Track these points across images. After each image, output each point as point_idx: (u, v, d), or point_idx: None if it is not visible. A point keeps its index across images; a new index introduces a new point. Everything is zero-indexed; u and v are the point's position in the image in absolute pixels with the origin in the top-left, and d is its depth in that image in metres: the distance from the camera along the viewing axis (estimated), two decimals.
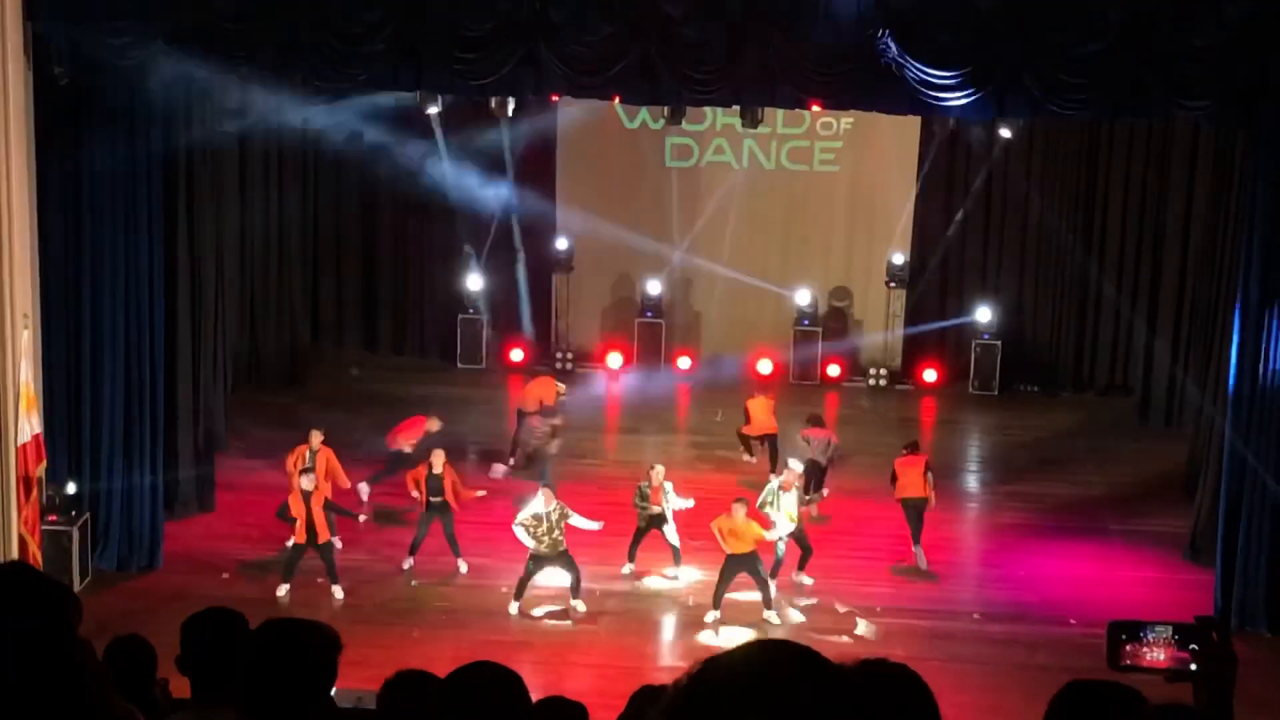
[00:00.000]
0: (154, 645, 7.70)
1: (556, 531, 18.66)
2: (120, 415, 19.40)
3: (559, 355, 28.81)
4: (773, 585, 18.98)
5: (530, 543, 18.69)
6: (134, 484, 19.48)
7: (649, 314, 28.81)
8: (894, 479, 20.44)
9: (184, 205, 20.20)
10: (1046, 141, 27.49)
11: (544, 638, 18.19)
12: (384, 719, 5.90)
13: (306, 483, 18.99)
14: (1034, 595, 19.61)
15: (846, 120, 28.05)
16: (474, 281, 28.45)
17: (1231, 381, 18.92)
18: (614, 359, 28.68)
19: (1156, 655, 4.45)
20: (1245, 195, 19.05)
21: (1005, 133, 25.16)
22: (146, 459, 19.59)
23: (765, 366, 28.35)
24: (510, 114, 24.90)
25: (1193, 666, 4.40)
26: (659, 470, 19.80)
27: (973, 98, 18.15)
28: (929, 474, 20.39)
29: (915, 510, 20.24)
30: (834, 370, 28.36)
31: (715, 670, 2.56)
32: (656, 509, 19.56)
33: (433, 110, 24.16)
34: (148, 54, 17.82)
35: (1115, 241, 27.34)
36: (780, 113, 26.65)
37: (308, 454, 20.09)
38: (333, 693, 5.17)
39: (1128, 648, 4.50)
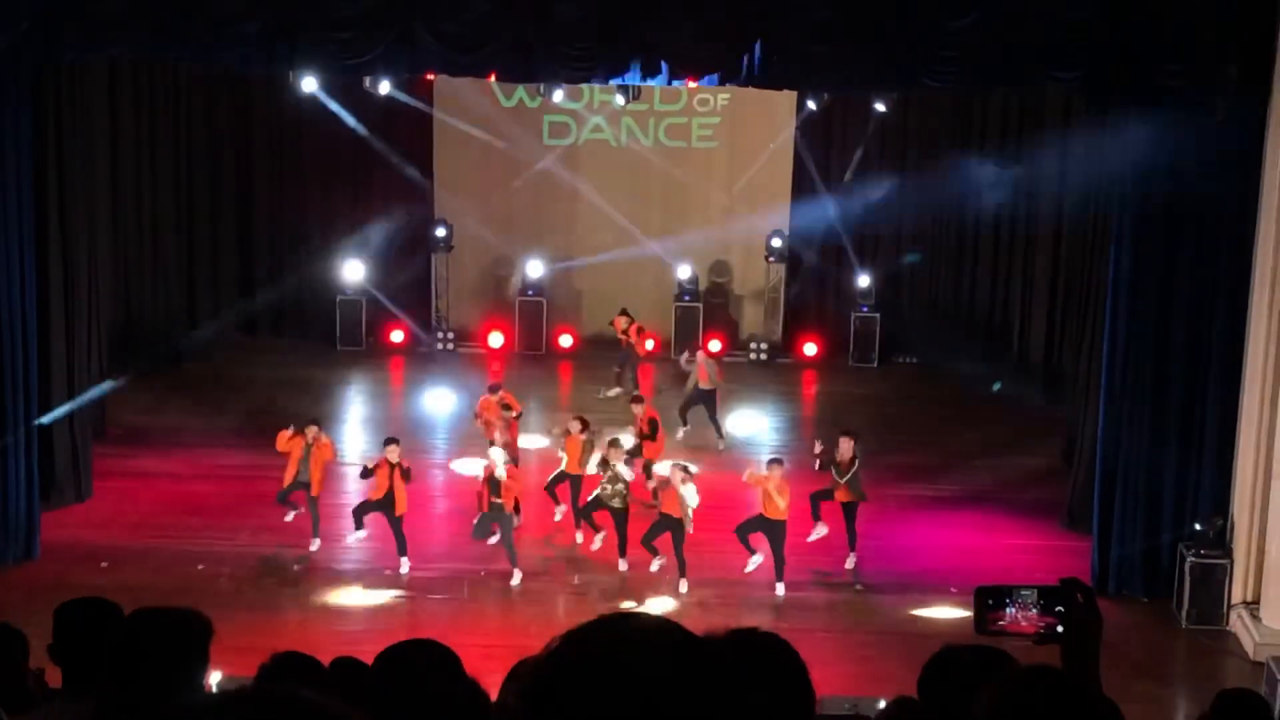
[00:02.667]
0: (28, 635, 7.60)
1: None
2: None
3: (439, 335, 28.69)
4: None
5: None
6: (7, 473, 19.12)
7: (530, 292, 28.76)
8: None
9: (54, 187, 19.88)
10: (921, 114, 27.70)
11: (431, 619, 18.13)
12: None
13: (392, 455, 19.13)
14: (915, 565, 19.79)
15: (723, 96, 28.15)
16: (353, 267, 28.24)
17: (1105, 349, 19.18)
18: (495, 338, 28.60)
19: (1023, 619, 4.51)
20: (1115, 164, 19.23)
21: (880, 106, 25.40)
22: (20, 447, 19.23)
23: (647, 343, 28.38)
24: (386, 92, 24.81)
25: (1059, 629, 4.45)
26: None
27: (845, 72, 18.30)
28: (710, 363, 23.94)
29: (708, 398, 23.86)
30: (715, 345, 28.43)
31: (571, 646, 2.57)
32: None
33: (309, 90, 23.97)
34: (15, 36, 17.50)
35: (988, 211, 27.60)
36: (658, 90, 26.72)
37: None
38: (214, 680, 5.13)
39: (994, 613, 4.55)
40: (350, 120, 26.84)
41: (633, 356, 26.15)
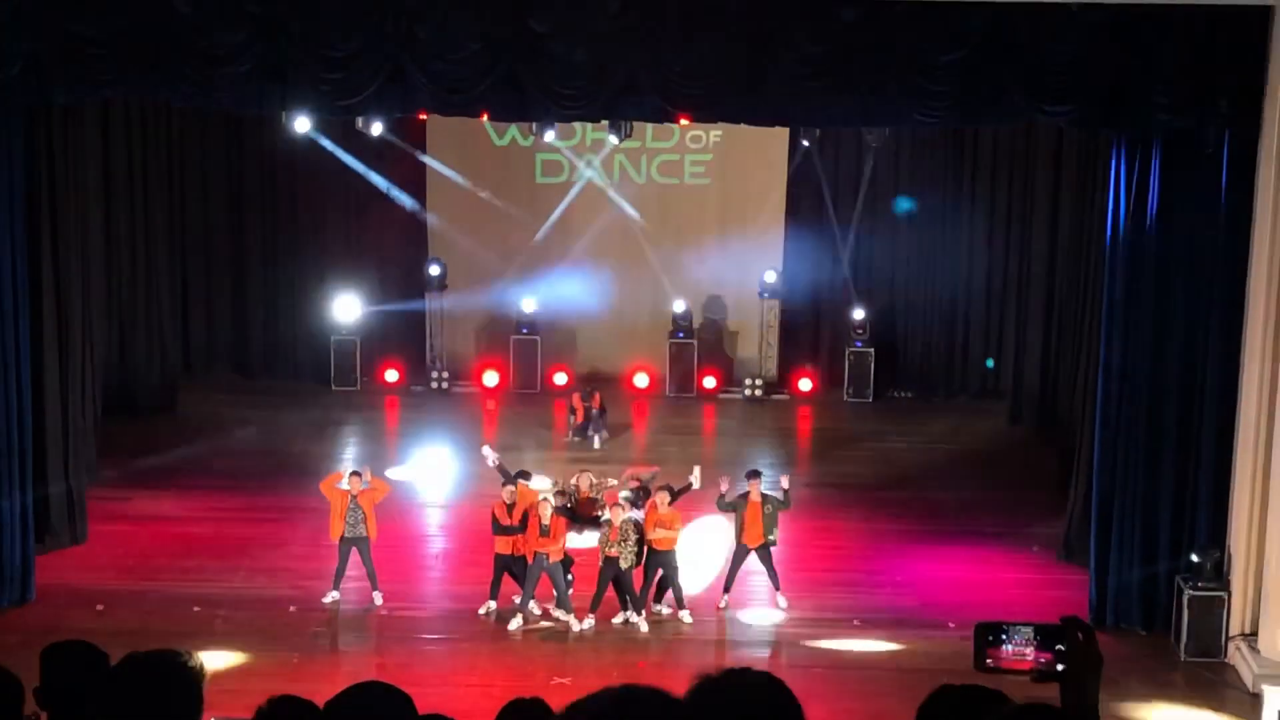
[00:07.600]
0: (23, 680, 7.54)
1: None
2: None
3: (434, 375, 28.67)
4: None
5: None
6: (2, 517, 19.04)
7: (524, 330, 28.75)
8: None
9: (47, 230, 19.92)
10: (913, 148, 27.75)
11: (426, 659, 18.06)
12: None
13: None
14: (913, 600, 19.74)
15: (715, 133, 28.20)
16: (347, 307, 28.22)
17: (1100, 382, 19.17)
18: (490, 377, 28.57)
19: (1021, 656, 4.50)
20: (1108, 195, 19.24)
21: (872, 140, 25.44)
22: (15, 490, 19.16)
23: (642, 380, 28.40)
24: (378, 133, 24.85)
25: (1059, 666, 4.43)
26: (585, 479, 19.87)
27: (837, 108, 18.33)
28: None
29: None
30: (710, 382, 28.45)
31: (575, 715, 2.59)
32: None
33: (302, 130, 23.98)
34: (4, 78, 17.50)
35: (982, 245, 27.66)
36: (650, 127, 26.77)
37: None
38: None
39: (993, 650, 4.54)
40: (346, 159, 26.96)
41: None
